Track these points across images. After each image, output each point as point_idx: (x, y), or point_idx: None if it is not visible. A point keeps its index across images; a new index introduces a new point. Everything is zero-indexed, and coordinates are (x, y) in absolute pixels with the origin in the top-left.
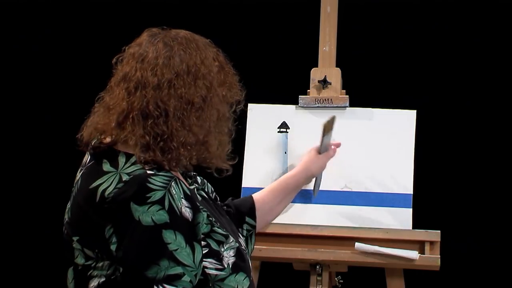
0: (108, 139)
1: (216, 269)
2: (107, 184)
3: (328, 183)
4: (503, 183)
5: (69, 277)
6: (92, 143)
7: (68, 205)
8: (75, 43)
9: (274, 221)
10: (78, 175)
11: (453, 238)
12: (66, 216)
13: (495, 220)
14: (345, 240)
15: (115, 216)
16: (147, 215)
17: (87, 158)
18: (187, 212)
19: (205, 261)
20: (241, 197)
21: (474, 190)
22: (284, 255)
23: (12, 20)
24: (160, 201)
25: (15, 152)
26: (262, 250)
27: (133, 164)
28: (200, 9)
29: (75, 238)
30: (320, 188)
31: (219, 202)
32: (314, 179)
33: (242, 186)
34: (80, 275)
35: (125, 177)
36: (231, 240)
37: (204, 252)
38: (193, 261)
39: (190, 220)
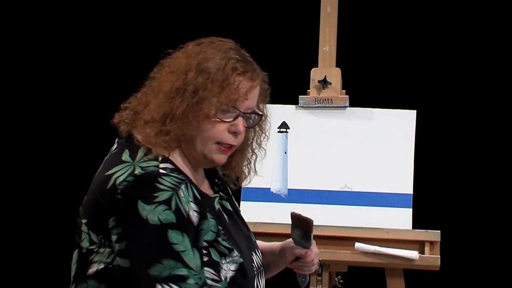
0: (134, 127)
1: (212, 280)
2: (120, 173)
3: (328, 183)
4: (503, 183)
5: (73, 259)
6: (122, 132)
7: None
8: (75, 43)
9: (274, 221)
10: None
11: (453, 238)
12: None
13: (495, 220)
14: (345, 240)
15: (120, 210)
16: (154, 214)
17: (114, 145)
18: (194, 216)
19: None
20: (241, 196)
21: (474, 190)
22: None
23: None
24: (167, 202)
25: (16, 152)
26: None
27: (150, 159)
28: (200, 9)
29: (83, 221)
30: (320, 188)
31: None
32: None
33: (242, 186)
34: (83, 258)
35: (137, 170)
36: (235, 255)
37: (204, 260)
38: (197, 265)
39: (195, 224)
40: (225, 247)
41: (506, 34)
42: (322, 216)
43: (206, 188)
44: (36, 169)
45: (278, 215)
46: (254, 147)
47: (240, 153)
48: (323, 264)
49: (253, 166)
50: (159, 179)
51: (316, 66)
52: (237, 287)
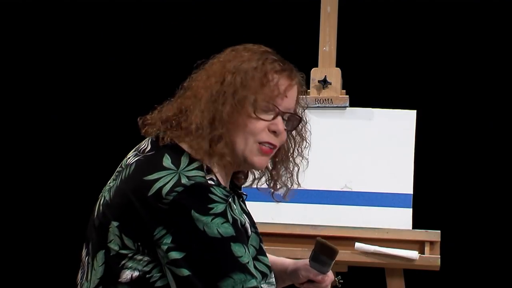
0: (173, 134)
1: None
2: (165, 182)
3: (328, 183)
4: (503, 183)
5: (98, 259)
6: (158, 133)
7: (111, 184)
8: (84, 45)
9: (274, 221)
10: (132, 159)
11: (453, 238)
12: (105, 195)
13: (495, 220)
14: (345, 240)
15: (172, 220)
16: (212, 226)
17: (146, 145)
18: (248, 228)
19: None
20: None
21: (474, 190)
22: (284, 255)
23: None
24: (223, 214)
25: (16, 152)
26: None
27: (195, 168)
28: (200, 9)
29: (115, 223)
30: (320, 188)
31: None
32: None
33: (242, 186)
34: (113, 261)
35: (184, 180)
36: (272, 276)
37: None
38: (258, 275)
39: (249, 235)
40: (266, 265)
41: (506, 34)
42: (322, 216)
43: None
44: (40, 169)
45: (278, 215)
46: (295, 156)
47: (281, 164)
48: None
49: (295, 178)
50: (211, 189)
51: (316, 66)
52: None
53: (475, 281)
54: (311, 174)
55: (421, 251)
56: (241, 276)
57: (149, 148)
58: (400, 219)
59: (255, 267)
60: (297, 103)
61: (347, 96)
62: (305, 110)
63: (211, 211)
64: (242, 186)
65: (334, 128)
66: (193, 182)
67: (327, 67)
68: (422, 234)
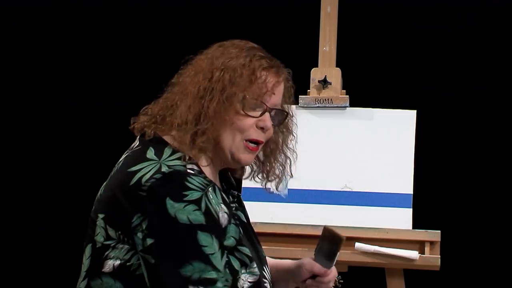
0: (158, 128)
1: None
2: (146, 171)
3: (328, 183)
4: (503, 183)
5: (86, 253)
6: (144, 130)
7: (104, 183)
8: (80, 46)
9: (274, 221)
10: (123, 157)
11: (453, 238)
12: (98, 194)
13: (495, 220)
14: (345, 240)
15: (147, 207)
16: (183, 213)
17: (135, 142)
18: (223, 218)
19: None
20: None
21: (474, 190)
22: (284, 255)
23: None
24: (197, 202)
25: (16, 153)
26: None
27: (177, 158)
28: (200, 9)
29: (100, 216)
30: (320, 188)
31: None
32: None
33: (242, 186)
34: (98, 253)
35: (164, 168)
36: (254, 266)
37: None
38: (223, 268)
39: (223, 226)
40: (246, 255)
41: (506, 34)
42: (322, 216)
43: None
44: (43, 167)
45: (278, 215)
46: (285, 150)
47: (272, 157)
48: None
49: (288, 170)
50: (188, 178)
51: (316, 66)
52: None
53: (475, 281)
54: (311, 174)
55: (421, 251)
56: (200, 265)
57: (137, 143)
58: (400, 219)
59: (235, 257)
60: (284, 98)
61: (347, 96)
62: (305, 108)
63: (185, 198)
64: (243, 179)
65: (334, 128)
66: (171, 170)
67: (327, 67)
68: (422, 234)
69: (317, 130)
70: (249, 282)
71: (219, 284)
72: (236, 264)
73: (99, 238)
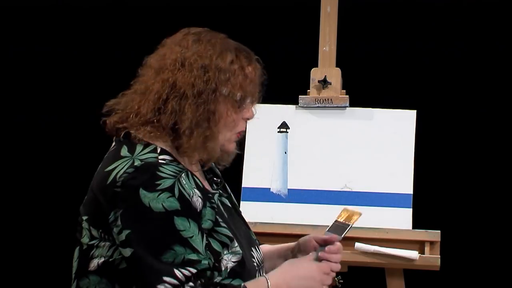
0: (132, 127)
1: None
2: (120, 168)
3: (328, 183)
4: (503, 183)
5: (74, 256)
6: (118, 130)
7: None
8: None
9: (274, 221)
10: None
11: (453, 238)
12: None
13: (495, 220)
14: (345, 240)
15: (122, 201)
16: (157, 201)
17: (113, 143)
18: (197, 202)
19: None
20: (241, 196)
21: (474, 190)
22: None
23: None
24: (170, 189)
25: (17, 154)
26: None
27: (149, 152)
28: (200, 9)
29: (84, 218)
30: (320, 188)
31: None
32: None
33: (242, 186)
34: (84, 254)
35: (136, 162)
36: (236, 245)
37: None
38: (203, 250)
39: (198, 210)
40: (226, 236)
41: (506, 34)
42: (322, 216)
43: (205, 185)
44: (37, 169)
45: (278, 215)
46: None
47: None
48: None
49: None
50: (160, 167)
51: (316, 66)
52: (237, 278)
53: (475, 281)
54: (311, 174)
55: (421, 251)
56: (181, 249)
57: (113, 144)
58: (400, 219)
59: (215, 238)
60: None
61: (347, 96)
62: (305, 108)
63: (158, 187)
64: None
65: (334, 128)
66: (143, 163)
67: (327, 67)
68: (422, 234)
69: (317, 130)
70: (232, 262)
71: (202, 264)
72: (216, 245)
73: (85, 239)
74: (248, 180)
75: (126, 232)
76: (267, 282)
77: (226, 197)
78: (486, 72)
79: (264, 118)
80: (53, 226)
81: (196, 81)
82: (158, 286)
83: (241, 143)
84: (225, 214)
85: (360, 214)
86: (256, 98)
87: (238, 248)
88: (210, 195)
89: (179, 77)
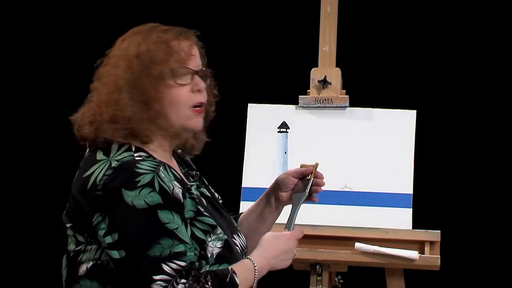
0: (101, 130)
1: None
2: (98, 172)
3: (328, 183)
4: (503, 183)
5: (63, 265)
6: (89, 137)
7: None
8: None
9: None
10: None
11: (453, 238)
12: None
13: (495, 220)
14: (345, 240)
15: (106, 203)
16: (139, 198)
17: (87, 150)
18: (180, 193)
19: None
20: (241, 196)
21: (474, 190)
22: None
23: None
24: (150, 184)
25: (16, 152)
26: None
27: (124, 151)
28: (200, 8)
29: (68, 225)
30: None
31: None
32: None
33: (242, 186)
34: (72, 261)
35: (114, 164)
36: (219, 232)
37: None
38: (190, 239)
39: (181, 201)
40: (208, 224)
41: (506, 34)
42: (322, 216)
43: (182, 177)
44: (26, 174)
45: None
46: (212, 110)
47: (207, 117)
48: (323, 264)
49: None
50: (137, 164)
51: (316, 66)
52: (223, 262)
53: (475, 281)
54: None
55: (421, 251)
56: (168, 242)
57: (87, 150)
58: (400, 219)
59: (197, 227)
60: (202, 58)
61: (347, 96)
62: (305, 108)
63: (138, 184)
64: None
65: (334, 128)
66: (120, 163)
67: (327, 67)
68: (422, 234)
69: (317, 130)
70: (218, 247)
71: (189, 255)
72: (199, 234)
73: (71, 246)
74: (248, 180)
75: (113, 235)
76: (253, 264)
77: (205, 187)
78: (486, 72)
79: (264, 118)
80: (36, 235)
81: (122, 74)
82: (152, 286)
83: (241, 143)
84: (206, 203)
85: (317, 164)
86: (194, 69)
87: (221, 234)
88: (188, 186)
89: (111, 77)
